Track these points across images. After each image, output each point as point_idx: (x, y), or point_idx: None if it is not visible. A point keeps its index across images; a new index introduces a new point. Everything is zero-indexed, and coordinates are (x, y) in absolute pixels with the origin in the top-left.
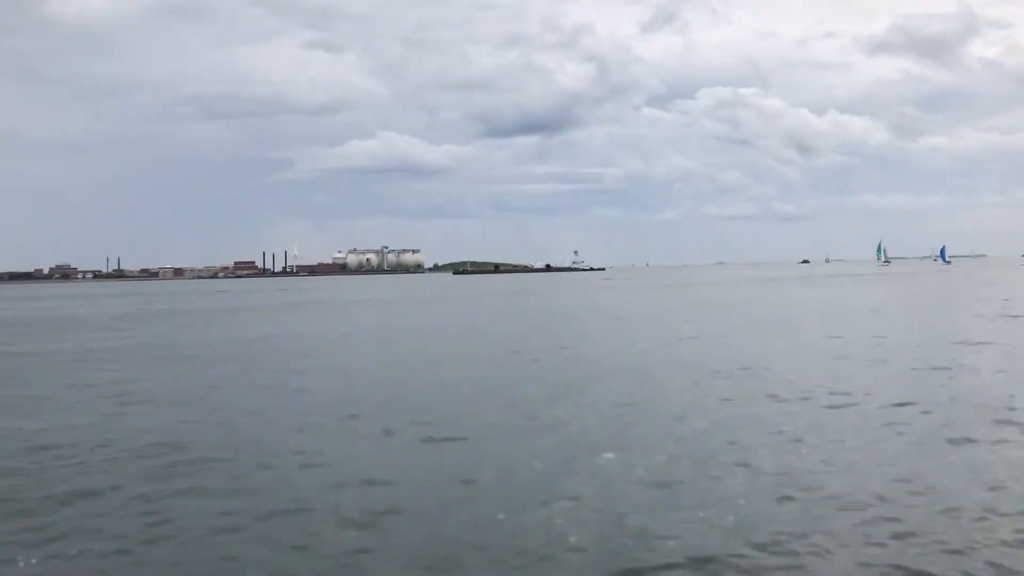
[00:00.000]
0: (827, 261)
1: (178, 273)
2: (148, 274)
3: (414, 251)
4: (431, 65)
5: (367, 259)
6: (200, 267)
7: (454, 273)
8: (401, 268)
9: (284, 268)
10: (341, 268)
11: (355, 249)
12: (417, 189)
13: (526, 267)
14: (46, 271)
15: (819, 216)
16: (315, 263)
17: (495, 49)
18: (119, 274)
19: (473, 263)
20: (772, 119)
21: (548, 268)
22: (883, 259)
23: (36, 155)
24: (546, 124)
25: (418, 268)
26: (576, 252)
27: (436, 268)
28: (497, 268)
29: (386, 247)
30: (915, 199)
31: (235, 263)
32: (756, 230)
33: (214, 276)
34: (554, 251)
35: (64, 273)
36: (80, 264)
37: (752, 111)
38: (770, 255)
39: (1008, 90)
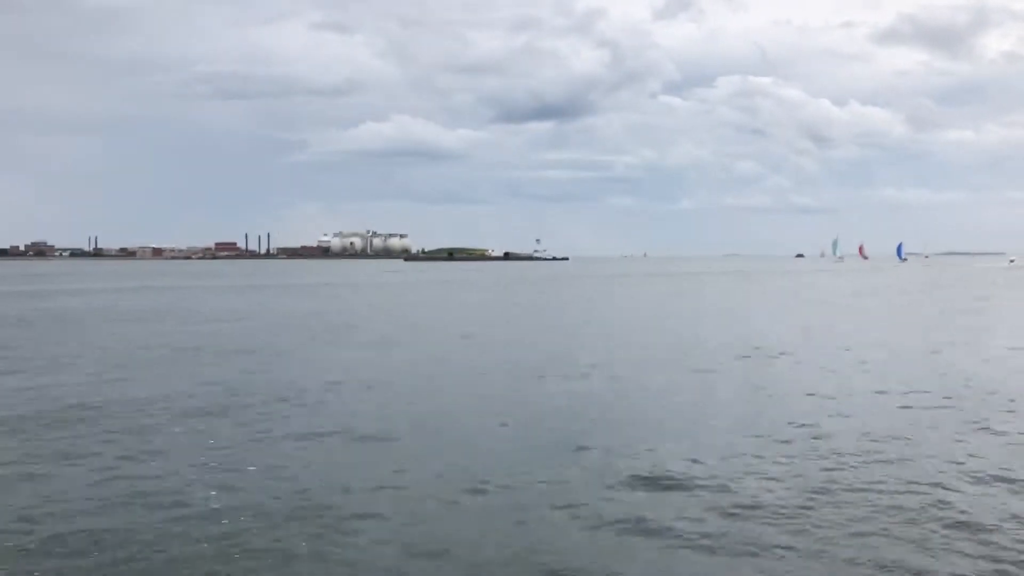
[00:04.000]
0: (821, 256)
1: (157, 253)
2: (126, 253)
3: (401, 236)
4: (442, 48)
5: (351, 243)
6: (183, 247)
7: (404, 260)
8: (386, 253)
9: (267, 250)
10: (324, 252)
11: (341, 232)
12: (429, 173)
13: (483, 254)
14: (22, 248)
15: (837, 209)
16: (298, 246)
17: (506, 33)
18: (97, 252)
19: (425, 251)
20: (791, 109)
21: (507, 256)
22: (838, 256)
23: (46, 133)
24: (561, 110)
25: (404, 253)
26: (538, 240)
27: (423, 253)
28: (451, 255)
29: (371, 231)
30: (935, 194)
31: (216, 244)
32: (773, 222)
33: (187, 258)
34: (563, 239)
35: (40, 250)
36: (58, 242)
37: (771, 100)
38: (786, 248)
39: None
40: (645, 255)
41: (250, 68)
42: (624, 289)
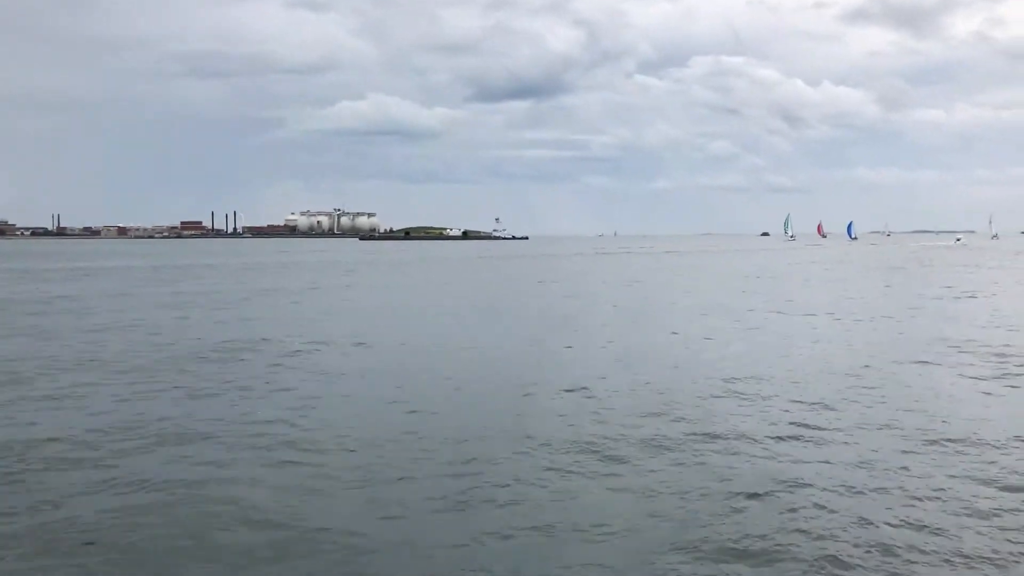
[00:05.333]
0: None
1: (121, 232)
2: (90, 232)
3: (369, 215)
4: (417, 26)
5: (318, 222)
6: (148, 226)
7: (360, 239)
8: (353, 232)
9: (235, 229)
10: (291, 231)
11: (308, 211)
12: (407, 152)
13: (440, 233)
14: None
15: (810, 189)
16: (265, 224)
17: (482, 11)
18: (61, 232)
19: (393, 230)
20: (764, 89)
21: (465, 235)
22: (789, 234)
23: (9, 111)
24: (537, 89)
25: (372, 231)
26: (497, 220)
27: (380, 233)
28: (407, 234)
29: (339, 209)
30: (906, 173)
31: (181, 223)
32: (747, 201)
33: (150, 237)
34: (540, 218)
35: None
36: (19, 221)
37: (745, 80)
38: (760, 227)
39: (999, 65)
40: (615, 234)
41: (224, 46)
42: (489, 272)
